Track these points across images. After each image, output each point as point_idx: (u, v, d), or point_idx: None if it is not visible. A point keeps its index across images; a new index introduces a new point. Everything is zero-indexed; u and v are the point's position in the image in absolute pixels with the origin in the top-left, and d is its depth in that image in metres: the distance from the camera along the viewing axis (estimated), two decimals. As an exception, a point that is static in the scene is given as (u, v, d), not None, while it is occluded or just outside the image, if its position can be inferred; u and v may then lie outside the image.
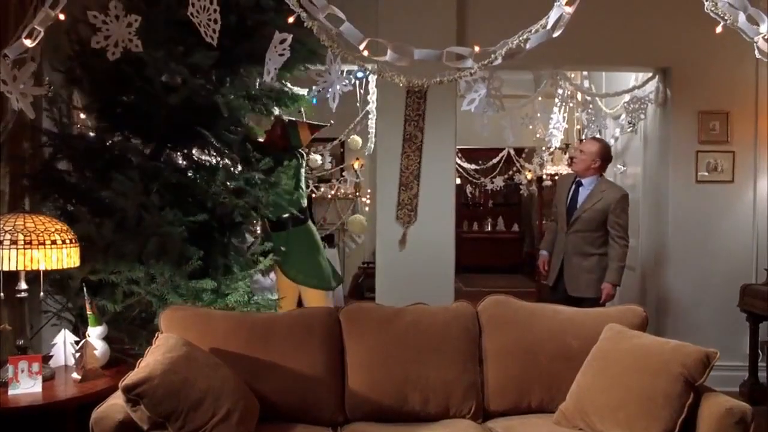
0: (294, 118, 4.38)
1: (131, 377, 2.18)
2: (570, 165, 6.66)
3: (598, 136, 5.74)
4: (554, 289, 4.50)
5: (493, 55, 2.27)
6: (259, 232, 4.33)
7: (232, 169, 3.45)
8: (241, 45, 3.29)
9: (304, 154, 4.51)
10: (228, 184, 3.36)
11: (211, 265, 3.28)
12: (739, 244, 4.82)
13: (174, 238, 3.08)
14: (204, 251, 3.19)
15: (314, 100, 5.41)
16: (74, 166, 3.37)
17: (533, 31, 2.17)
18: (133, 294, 3.11)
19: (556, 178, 6.88)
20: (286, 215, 4.13)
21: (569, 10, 2.03)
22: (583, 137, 6.09)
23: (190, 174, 3.41)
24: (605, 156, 4.45)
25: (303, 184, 4.46)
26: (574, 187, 4.48)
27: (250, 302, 3.34)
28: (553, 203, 4.93)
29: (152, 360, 2.32)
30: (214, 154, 3.47)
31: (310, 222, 4.57)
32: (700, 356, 2.49)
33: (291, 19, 2.42)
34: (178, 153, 3.50)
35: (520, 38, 2.20)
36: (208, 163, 3.49)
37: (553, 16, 2.08)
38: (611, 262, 4.26)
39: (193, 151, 3.54)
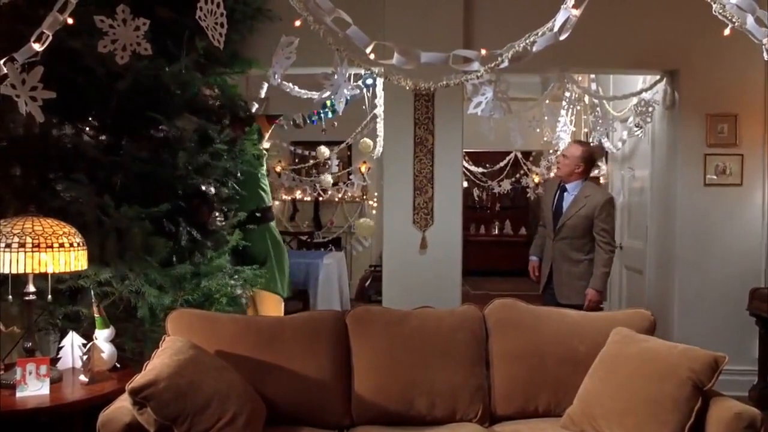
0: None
1: (138, 380, 2.19)
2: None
3: (583, 139, 5.71)
4: (542, 294, 4.44)
5: (499, 58, 2.27)
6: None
7: (192, 145, 3.32)
8: (187, 16, 2.99)
9: (265, 153, 4.44)
10: (188, 166, 3.26)
11: (186, 249, 3.24)
12: (747, 247, 4.79)
13: (133, 231, 3.02)
14: (175, 236, 3.13)
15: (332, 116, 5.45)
16: (25, 167, 3.25)
17: (540, 33, 2.17)
18: (108, 295, 3.10)
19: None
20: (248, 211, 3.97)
21: (576, 12, 2.02)
22: (591, 140, 6.07)
23: (150, 159, 3.28)
24: (589, 159, 4.34)
25: (265, 184, 4.35)
26: (558, 192, 4.39)
27: (232, 278, 3.30)
28: (540, 207, 4.88)
29: (159, 363, 2.33)
30: (171, 136, 3.33)
31: (272, 224, 4.44)
32: (709, 360, 2.47)
33: (298, 23, 2.43)
34: (137, 140, 3.36)
35: (527, 41, 2.20)
36: (168, 147, 3.34)
37: (559, 18, 2.08)
38: (596, 268, 4.16)
39: (154, 134, 3.40)
